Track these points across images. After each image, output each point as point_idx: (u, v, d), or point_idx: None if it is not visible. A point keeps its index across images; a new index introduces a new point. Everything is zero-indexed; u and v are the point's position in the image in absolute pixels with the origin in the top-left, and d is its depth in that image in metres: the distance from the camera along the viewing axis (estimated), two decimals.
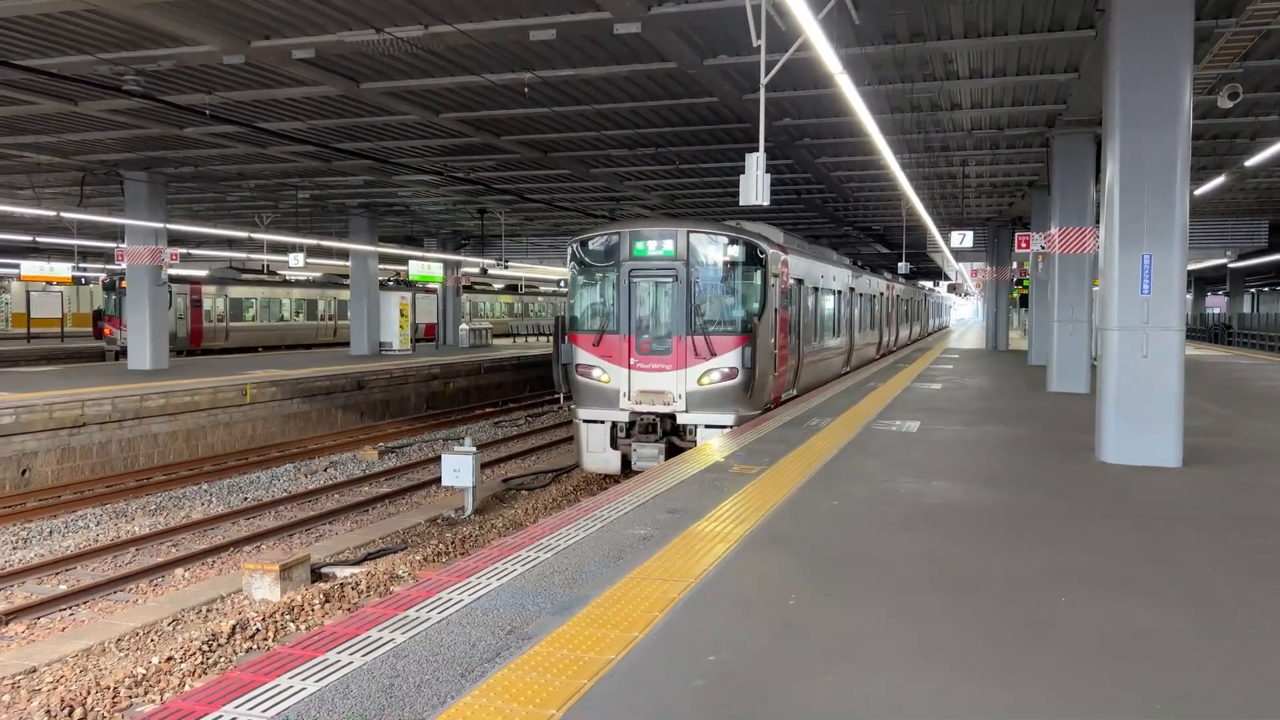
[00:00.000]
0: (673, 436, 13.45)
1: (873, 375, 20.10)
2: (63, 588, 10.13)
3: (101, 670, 7.93)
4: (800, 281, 16.52)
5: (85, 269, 43.70)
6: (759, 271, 13.68)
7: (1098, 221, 10.88)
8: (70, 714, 6.93)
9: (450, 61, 12.28)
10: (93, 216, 22.70)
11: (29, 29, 10.96)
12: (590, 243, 14.05)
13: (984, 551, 5.86)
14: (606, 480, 14.84)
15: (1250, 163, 17.58)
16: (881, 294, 28.95)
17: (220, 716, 3.45)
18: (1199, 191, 20.54)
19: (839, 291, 21.19)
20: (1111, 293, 8.91)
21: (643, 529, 6.28)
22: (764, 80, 8.87)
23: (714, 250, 13.53)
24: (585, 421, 13.86)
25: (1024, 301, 29.08)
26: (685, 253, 13.40)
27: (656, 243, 13.51)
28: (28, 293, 48.66)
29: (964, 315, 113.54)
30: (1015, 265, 31.56)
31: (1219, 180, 19.86)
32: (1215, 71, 10.75)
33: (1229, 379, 20.15)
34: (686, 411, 13.29)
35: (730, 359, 13.22)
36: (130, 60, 12.02)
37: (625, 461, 13.72)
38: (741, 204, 8.81)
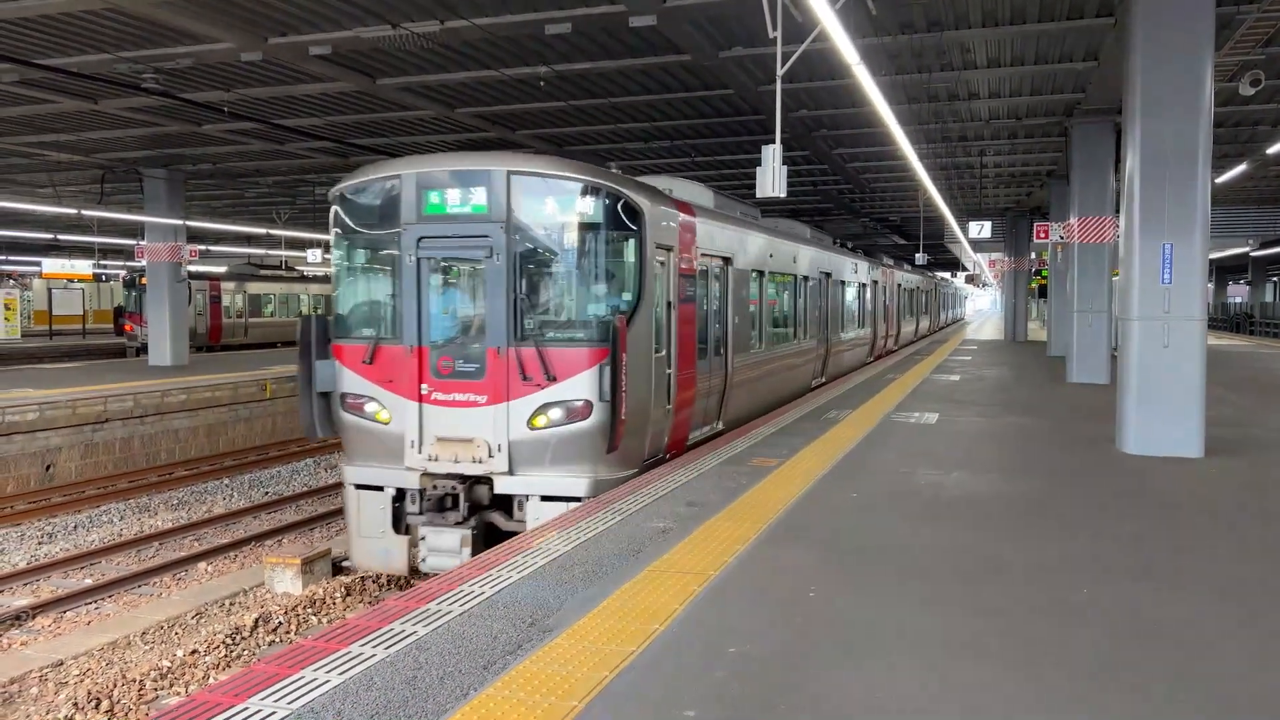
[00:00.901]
0: (493, 512, 8.37)
1: (891, 367, 20.03)
2: (88, 582, 10.25)
3: (127, 663, 8.01)
4: (728, 261, 11.56)
5: (106, 266, 44.11)
6: (632, 240, 8.53)
7: (1117, 211, 10.81)
8: (97, 706, 7.01)
9: (466, 56, 12.31)
10: (113, 214, 22.97)
11: (50, 28, 11.06)
12: (355, 195, 8.81)
13: (1005, 543, 5.84)
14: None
15: (1272, 150, 17.42)
16: (876, 282, 24.12)
17: (246, 708, 3.49)
18: (1220, 180, 20.36)
19: (805, 277, 15.93)
20: (1132, 282, 8.84)
21: (661, 522, 6.30)
22: (780, 71, 8.85)
23: (554, 204, 8.32)
24: (356, 487, 8.75)
25: (1043, 292, 28.93)
26: (506, 208, 8.16)
27: (459, 191, 8.29)
28: (49, 290, 49.19)
29: (982, 306, 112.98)
30: (1034, 256, 31.40)
31: (1240, 168, 19.67)
32: (1236, 58, 10.67)
33: (1251, 369, 19.97)
34: (510, 473, 8.15)
35: (580, 385, 8.01)
36: (149, 58, 12.11)
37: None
38: (759, 195, 8.79)
